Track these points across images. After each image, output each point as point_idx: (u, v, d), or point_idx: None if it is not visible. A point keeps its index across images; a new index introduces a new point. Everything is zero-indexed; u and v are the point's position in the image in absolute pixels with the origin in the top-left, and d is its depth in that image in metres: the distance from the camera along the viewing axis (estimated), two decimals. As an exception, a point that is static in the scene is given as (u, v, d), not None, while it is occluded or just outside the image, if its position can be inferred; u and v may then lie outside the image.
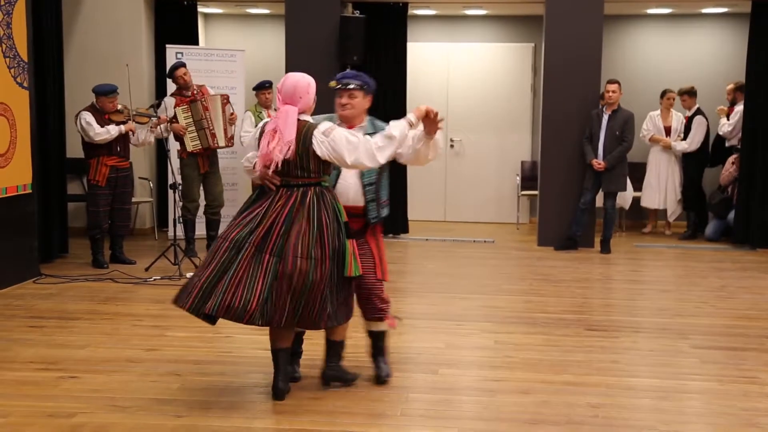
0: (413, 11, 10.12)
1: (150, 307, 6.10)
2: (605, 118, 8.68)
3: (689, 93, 9.64)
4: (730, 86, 9.64)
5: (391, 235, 9.44)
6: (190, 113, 7.91)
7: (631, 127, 8.66)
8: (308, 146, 4.03)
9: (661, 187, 9.75)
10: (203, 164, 8.05)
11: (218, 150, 8.17)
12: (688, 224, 9.78)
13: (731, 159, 9.40)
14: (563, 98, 8.88)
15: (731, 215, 9.31)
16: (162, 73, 9.06)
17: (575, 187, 8.86)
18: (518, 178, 10.65)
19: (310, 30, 9.10)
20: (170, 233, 8.11)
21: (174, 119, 7.88)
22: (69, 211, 8.36)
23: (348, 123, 4.29)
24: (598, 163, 8.59)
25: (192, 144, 7.92)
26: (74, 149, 8.18)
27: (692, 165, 9.61)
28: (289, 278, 3.94)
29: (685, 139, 9.56)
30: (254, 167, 4.13)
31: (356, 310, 4.35)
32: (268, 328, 4.15)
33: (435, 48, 10.88)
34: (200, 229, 8.40)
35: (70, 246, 8.15)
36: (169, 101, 8.11)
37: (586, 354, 5.07)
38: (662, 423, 3.97)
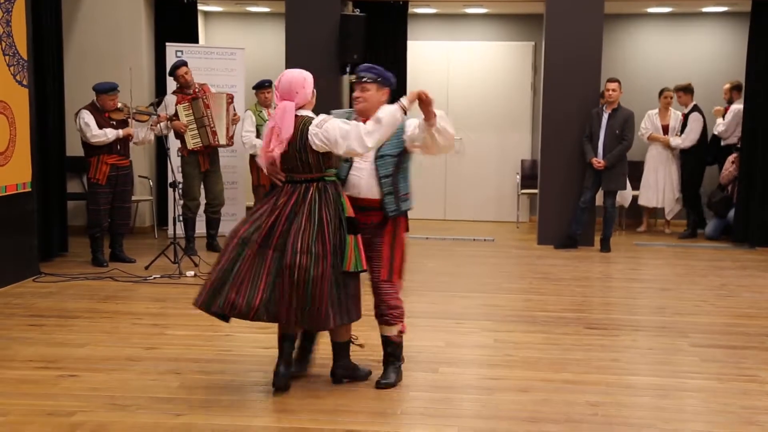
0: (413, 9, 10.12)
1: (150, 305, 6.08)
2: (605, 116, 8.68)
3: (685, 90, 9.62)
4: (727, 86, 9.64)
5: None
6: (191, 110, 7.90)
7: (631, 126, 8.66)
8: (305, 141, 4.04)
9: (659, 186, 9.74)
10: (204, 162, 8.05)
11: (219, 148, 8.17)
12: (687, 223, 9.79)
13: (731, 158, 9.39)
14: (563, 97, 8.88)
15: (731, 214, 9.32)
16: (162, 71, 9.05)
17: (575, 186, 8.85)
18: (518, 176, 10.65)
19: (310, 28, 9.10)
20: (170, 232, 8.10)
21: (174, 117, 7.88)
22: (69, 210, 8.35)
23: (363, 116, 4.20)
24: (598, 161, 8.58)
25: (193, 141, 7.91)
26: (74, 147, 8.17)
27: (690, 163, 9.61)
28: (290, 274, 3.96)
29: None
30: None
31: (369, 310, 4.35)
32: (273, 324, 4.17)
33: (435, 46, 10.87)
34: (200, 228, 8.40)
35: (70, 244, 8.14)
36: (169, 99, 8.11)
37: (586, 352, 5.07)
38: (662, 421, 3.98)
